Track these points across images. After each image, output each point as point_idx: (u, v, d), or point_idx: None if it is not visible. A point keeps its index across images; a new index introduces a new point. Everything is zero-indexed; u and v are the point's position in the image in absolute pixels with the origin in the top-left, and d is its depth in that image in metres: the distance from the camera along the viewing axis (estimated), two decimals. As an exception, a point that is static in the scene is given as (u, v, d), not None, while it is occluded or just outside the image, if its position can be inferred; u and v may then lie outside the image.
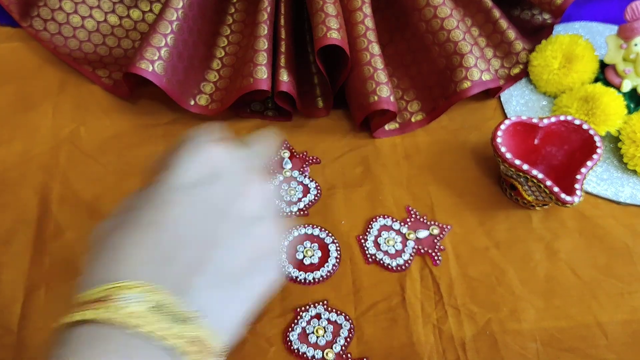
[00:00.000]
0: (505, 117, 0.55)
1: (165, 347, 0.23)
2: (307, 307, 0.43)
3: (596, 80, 0.55)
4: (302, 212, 0.48)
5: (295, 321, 0.42)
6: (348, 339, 0.42)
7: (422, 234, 0.47)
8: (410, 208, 0.49)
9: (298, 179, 0.50)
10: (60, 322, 0.25)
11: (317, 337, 0.42)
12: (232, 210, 0.29)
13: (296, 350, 0.41)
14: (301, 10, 0.55)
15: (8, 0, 0.55)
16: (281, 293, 0.44)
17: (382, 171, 0.51)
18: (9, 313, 0.42)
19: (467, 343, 0.42)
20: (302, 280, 0.45)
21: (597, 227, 0.48)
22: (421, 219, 0.48)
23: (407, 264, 0.45)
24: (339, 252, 0.46)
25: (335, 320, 0.43)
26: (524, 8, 0.60)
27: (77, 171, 0.50)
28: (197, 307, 0.25)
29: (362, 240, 0.47)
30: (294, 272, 0.45)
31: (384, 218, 0.48)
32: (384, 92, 0.49)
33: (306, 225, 0.47)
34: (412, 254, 0.46)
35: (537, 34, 0.60)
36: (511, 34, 0.56)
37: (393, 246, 0.46)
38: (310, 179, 0.50)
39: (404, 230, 0.47)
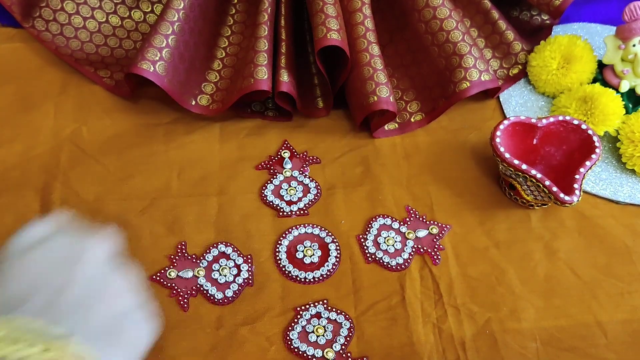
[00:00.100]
0: (504, 117, 0.55)
1: None
2: (307, 306, 0.43)
3: (595, 80, 0.55)
4: (302, 212, 0.48)
5: (296, 320, 0.42)
6: (348, 338, 0.42)
7: (422, 233, 0.47)
8: (409, 208, 0.49)
9: (298, 178, 0.50)
10: None
11: (317, 336, 0.42)
12: (79, 259, 0.31)
13: (296, 349, 0.41)
14: (301, 11, 0.56)
15: (10, 1, 0.55)
16: (281, 292, 0.44)
17: (381, 171, 0.51)
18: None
19: (467, 342, 0.42)
20: (302, 280, 0.45)
21: (596, 227, 0.49)
22: (421, 219, 0.48)
23: (406, 263, 0.46)
24: (338, 252, 0.46)
25: (335, 320, 0.43)
26: (522, 9, 0.61)
27: (79, 171, 0.50)
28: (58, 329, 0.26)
29: (362, 240, 0.47)
30: (294, 271, 0.45)
31: (384, 217, 0.48)
32: (384, 92, 0.49)
33: (306, 225, 0.47)
34: (412, 254, 0.46)
35: (536, 34, 0.60)
36: (510, 34, 0.57)
37: (393, 245, 0.46)
38: (310, 178, 0.50)
39: (404, 229, 0.47)
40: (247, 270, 0.45)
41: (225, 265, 0.45)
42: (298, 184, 0.50)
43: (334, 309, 0.43)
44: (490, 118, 0.55)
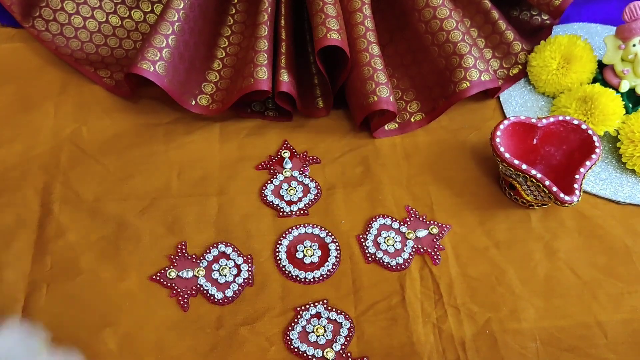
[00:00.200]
0: (505, 117, 0.55)
1: None
2: (307, 306, 0.43)
3: (595, 80, 0.55)
4: (302, 212, 0.48)
5: (296, 320, 0.42)
6: (348, 338, 0.42)
7: (422, 233, 0.47)
8: (409, 208, 0.49)
9: (298, 178, 0.50)
10: None
11: (317, 336, 0.42)
12: None
13: (296, 349, 0.41)
14: (301, 11, 0.56)
15: (10, 1, 0.55)
16: (281, 292, 0.44)
17: (381, 171, 0.51)
18: (10, 313, 0.42)
19: (467, 342, 0.42)
20: (302, 280, 0.45)
21: (596, 227, 0.49)
22: (421, 219, 0.48)
23: (406, 263, 0.46)
24: (338, 252, 0.46)
25: (335, 319, 0.43)
26: (523, 9, 0.61)
27: (79, 171, 0.50)
28: None
29: (362, 240, 0.47)
30: (294, 271, 0.45)
31: (384, 217, 0.48)
32: (384, 92, 0.49)
33: (306, 225, 0.47)
34: (412, 254, 0.46)
35: (536, 34, 0.60)
36: (510, 34, 0.57)
37: (393, 245, 0.46)
38: (310, 178, 0.50)
39: (404, 229, 0.47)
40: (247, 270, 0.45)
41: (225, 265, 0.45)
42: (298, 184, 0.50)
43: (334, 309, 0.43)
44: (490, 118, 0.55)
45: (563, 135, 0.48)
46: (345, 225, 0.48)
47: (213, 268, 0.45)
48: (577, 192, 0.44)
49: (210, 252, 0.45)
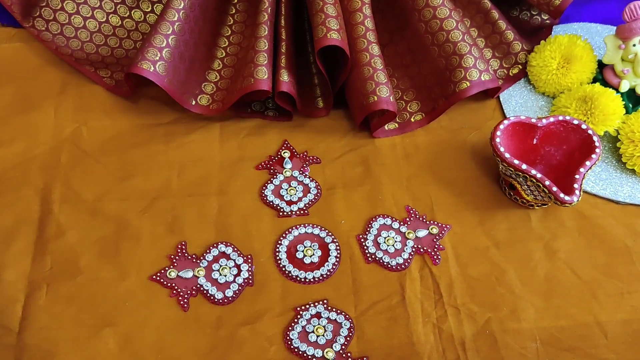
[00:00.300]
0: (505, 117, 0.55)
1: None
2: (307, 306, 0.43)
3: (595, 80, 0.55)
4: (302, 212, 0.48)
5: (296, 320, 0.42)
6: (348, 338, 0.42)
7: (422, 233, 0.47)
8: (409, 207, 0.49)
9: (298, 178, 0.50)
10: None
11: (317, 336, 0.42)
12: None
13: (296, 349, 0.41)
14: (301, 11, 0.56)
15: (10, 1, 0.55)
16: (281, 292, 0.44)
17: (381, 171, 0.51)
18: (10, 313, 0.42)
19: (467, 342, 0.42)
20: (302, 280, 0.45)
21: (596, 227, 0.49)
22: (421, 219, 0.48)
23: (406, 263, 0.46)
24: (338, 252, 0.46)
25: (335, 319, 0.43)
26: (523, 9, 0.61)
27: (79, 171, 0.50)
28: None
29: (362, 240, 0.47)
30: (294, 271, 0.45)
31: (384, 217, 0.48)
32: (384, 92, 0.49)
33: (306, 225, 0.47)
34: (412, 253, 0.46)
35: (536, 34, 0.60)
36: (510, 34, 0.57)
37: (393, 245, 0.46)
38: (311, 178, 0.50)
39: (404, 229, 0.47)
40: (247, 270, 0.45)
41: (226, 265, 0.45)
42: (298, 184, 0.50)
43: (334, 309, 0.43)
44: (490, 118, 0.55)
45: (563, 135, 0.48)
46: (345, 225, 0.48)
47: (213, 268, 0.45)
48: (577, 192, 0.44)
49: (210, 252, 0.45)
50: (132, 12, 0.58)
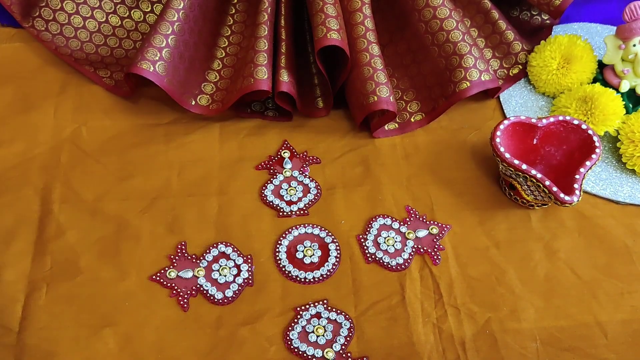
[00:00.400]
0: (504, 117, 0.55)
1: None
2: (307, 306, 0.43)
3: (595, 80, 0.55)
4: (302, 212, 0.48)
5: (295, 320, 0.42)
6: (348, 338, 0.42)
7: (422, 233, 0.47)
8: (409, 208, 0.49)
9: (298, 178, 0.50)
10: None
11: (317, 336, 0.42)
12: None
13: (296, 349, 0.41)
14: (301, 11, 0.56)
15: (10, 1, 0.55)
16: (281, 292, 0.44)
17: (381, 171, 0.51)
18: (10, 313, 0.42)
19: (467, 342, 0.42)
20: (302, 280, 0.45)
21: (596, 227, 0.49)
22: (421, 219, 0.48)
23: (406, 263, 0.46)
24: (338, 252, 0.46)
25: (335, 320, 0.43)
26: (523, 9, 0.61)
27: (78, 171, 0.50)
28: None
29: (362, 240, 0.47)
30: (294, 271, 0.45)
31: (384, 217, 0.48)
32: (384, 92, 0.49)
33: (306, 225, 0.47)
34: (412, 254, 0.46)
35: (536, 34, 0.60)
36: (510, 34, 0.57)
37: (393, 245, 0.46)
38: (310, 178, 0.50)
39: (404, 229, 0.47)
40: (247, 270, 0.45)
41: (225, 265, 0.45)
42: (298, 184, 0.50)
43: (334, 309, 0.43)
44: (490, 118, 0.55)
45: (563, 135, 0.48)
46: (345, 225, 0.48)
47: (213, 268, 0.45)
48: (577, 192, 0.44)
49: (210, 252, 0.45)
50: (131, 12, 0.58)
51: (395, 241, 0.47)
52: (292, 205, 0.49)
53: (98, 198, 0.48)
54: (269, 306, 0.43)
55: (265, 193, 0.49)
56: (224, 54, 0.56)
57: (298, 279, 0.45)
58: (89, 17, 0.56)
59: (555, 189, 0.44)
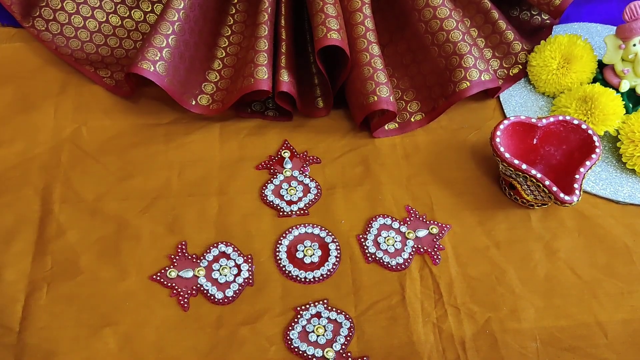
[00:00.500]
0: (505, 117, 0.55)
1: None
2: (307, 306, 0.43)
3: (595, 80, 0.55)
4: (302, 212, 0.48)
5: (296, 320, 0.42)
6: (348, 338, 0.42)
7: (422, 233, 0.47)
8: (409, 207, 0.49)
9: (298, 178, 0.50)
10: None
11: (318, 335, 0.42)
12: None
13: (296, 349, 0.41)
14: (301, 11, 0.56)
15: (10, 1, 0.55)
16: (281, 292, 0.44)
17: (381, 171, 0.51)
18: (10, 313, 0.42)
19: (467, 342, 0.42)
20: (302, 279, 0.45)
21: (596, 227, 0.49)
22: (421, 219, 0.48)
23: (406, 263, 0.46)
24: (338, 251, 0.46)
25: (336, 319, 0.43)
26: (523, 9, 0.61)
27: (79, 171, 0.50)
28: None
29: (362, 240, 0.47)
30: (294, 271, 0.45)
31: (384, 217, 0.48)
32: (384, 92, 0.49)
33: (306, 225, 0.47)
34: (412, 253, 0.46)
35: (536, 34, 0.60)
36: (510, 34, 0.57)
37: (393, 245, 0.46)
38: (311, 178, 0.50)
39: (404, 229, 0.48)
40: (248, 270, 0.45)
41: (226, 265, 0.45)
42: (298, 184, 0.50)
43: (334, 309, 0.43)
44: (490, 118, 0.55)
45: (563, 135, 0.48)
46: (345, 225, 0.48)
47: (213, 268, 0.45)
48: (577, 192, 0.44)
49: (210, 252, 0.45)
50: (132, 12, 0.58)
51: (395, 241, 0.47)
52: (292, 205, 0.49)
53: (98, 198, 0.48)
54: (269, 306, 0.43)
55: (265, 193, 0.49)
56: (224, 54, 0.56)
57: (298, 278, 0.45)
58: (89, 17, 0.56)
59: (555, 188, 0.44)
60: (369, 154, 0.52)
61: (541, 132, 0.49)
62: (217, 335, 0.42)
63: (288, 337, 0.42)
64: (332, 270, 0.45)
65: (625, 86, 0.53)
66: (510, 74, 0.58)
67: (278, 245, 0.46)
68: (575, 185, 0.44)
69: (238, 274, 0.45)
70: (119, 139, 0.52)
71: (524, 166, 0.45)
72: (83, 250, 0.45)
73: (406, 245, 0.47)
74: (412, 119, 0.55)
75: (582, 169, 0.45)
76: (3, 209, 0.47)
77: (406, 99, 0.56)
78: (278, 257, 0.46)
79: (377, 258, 0.46)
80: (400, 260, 0.46)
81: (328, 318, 0.43)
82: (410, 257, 0.46)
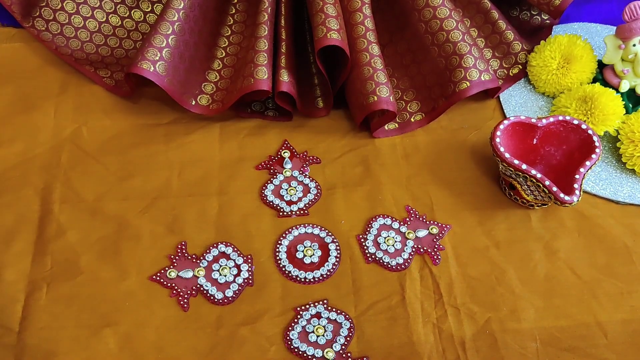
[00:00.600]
0: (505, 117, 0.55)
1: None
2: (307, 306, 0.43)
3: (595, 80, 0.55)
4: (302, 212, 0.48)
5: (296, 320, 0.42)
6: (348, 338, 0.42)
7: (422, 233, 0.47)
8: (409, 207, 0.49)
9: (298, 178, 0.50)
10: None
11: (317, 336, 0.42)
12: None
13: (296, 349, 0.41)
14: (301, 11, 0.56)
15: (10, 1, 0.55)
16: (281, 292, 0.44)
17: (381, 171, 0.51)
18: (10, 313, 0.42)
19: (466, 342, 0.42)
20: (302, 280, 0.45)
21: (596, 227, 0.49)
22: (421, 219, 0.48)
23: (406, 263, 0.46)
24: (338, 252, 0.46)
25: (335, 319, 0.43)
26: (523, 9, 0.61)
27: (79, 171, 0.50)
28: None
29: (362, 240, 0.47)
30: (294, 271, 0.45)
31: (384, 217, 0.48)
32: (384, 92, 0.49)
33: (306, 225, 0.47)
34: (412, 253, 0.46)
35: (536, 34, 0.60)
36: (510, 34, 0.57)
37: (393, 245, 0.46)
38: (310, 178, 0.50)
39: (404, 229, 0.48)
40: (247, 270, 0.45)
41: (226, 265, 0.45)
42: (298, 184, 0.50)
43: (334, 309, 0.43)
44: (490, 118, 0.55)
45: (563, 135, 0.48)
46: (345, 225, 0.48)
47: (213, 268, 0.45)
48: (577, 192, 0.44)
49: (210, 252, 0.45)
50: (132, 12, 0.58)
51: (395, 241, 0.47)
52: (292, 205, 0.49)
53: (98, 198, 0.48)
54: (269, 306, 0.43)
55: (265, 193, 0.49)
56: (224, 54, 0.56)
57: (298, 279, 0.45)
58: (89, 17, 0.56)
59: (555, 189, 0.44)
60: (369, 154, 0.52)
61: (541, 132, 0.49)
62: (217, 336, 0.42)
63: (288, 338, 0.42)
64: (332, 270, 0.45)
65: (625, 86, 0.53)
66: (510, 74, 0.58)
67: (278, 246, 0.46)
68: (575, 186, 0.44)
69: (238, 274, 0.45)
70: (119, 139, 0.52)
71: (524, 166, 0.45)
72: (83, 250, 0.45)
73: (406, 245, 0.47)
74: (412, 119, 0.55)
75: (582, 169, 0.45)
76: (3, 209, 0.47)
77: (406, 99, 0.56)
78: (278, 257, 0.46)
79: (377, 258, 0.46)
80: (400, 261, 0.46)
81: (328, 318, 0.43)
82: (410, 257, 0.46)
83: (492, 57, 0.58)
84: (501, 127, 0.47)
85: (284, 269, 0.45)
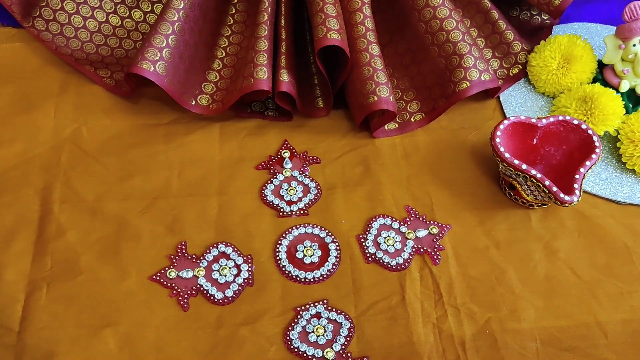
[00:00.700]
0: (505, 117, 0.55)
1: None
2: (307, 306, 0.43)
3: (595, 80, 0.55)
4: (302, 212, 0.48)
5: (296, 320, 0.42)
6: (348, 338, 0.42)
7: (422, 233, 0.47)
8: (409, 207, 0.49)
9: (298, 178, 0.50)
10: None
11: (317, 336, 0.42)
12: None
13: (296, 349, 0.41)
14: (301, 11, 0.56)
15: (10, 1, 0.55)
16: (281, 292, 0.44)
17: (381, 171, 0.51)
18: (10, 313, 0.42)
19: (466, 342, 0.42)
20: (302, 280, 0.45)
21: (596, 227, 0.49)
22: (421, 219, 0.48)
23: (406, 263, 0.46)
24: (338, 252, 0.46)
25: (335, 319, 0.43)
26: (523, 9, 0.61)
27: (79, 171, 0.50)
28: None
29: (362, 240, 0.47)
30: (294, 271, 0.45)
31: (384, 217, 0.48)
32: (384, 92, 0.49)
33: (306, 225, 0.47)
34: (412, 253, 0.46)
35: (536, 34, 0.60)
36: (510, 34, 0.57)
37: (393, 245, 0.46)
38: (310, 178, 0.50)
39: (404, 229, 0.48)
40: (247, 270, 0.45)
41: (226, 265, 0.45)
42: (298, 184, 0.50)
43: (334, 309, 0.43)
44: (490, 118, 0.55)
45: (563, 135, 0.48)
46: (345, 225, 0.48)
47: (213, 268, 0.45)
48: (577, 192, 0.44)
49: (210, 252, 0.45)
50: (132, 12, 0.58)
51: (395, 241, 0.47)
52: (292, 205, 0.49)
53: (98, 198, 0.48)
54: (269, 306, 0.43)
55: (265, 193, 0.49)
56: (224, 54, 0.56)
57: (298, 279, 0.45)
58: (89, 17, 0.56)
59: (555, 189, 0.44)
60: (369, 154, 0.52)
61: (541, 132, 0.49)
62: (217, 336, 0.42)
63: (288, 338, 0.42)
64: (332, 270, 0.45)
65: (625, 86, 0.53)
66: (510, 74, 0.58)
67: (278, 246, 0.46)
68: (575, 186, 0.44)
69: (238, 274, 0.45)
70: (119, 139, 0.52)
71: (524, 166, 0.45)
72: (83, 250, 0.45)
73: (406, 245, 0.47)
74: (412, 119, 0.55)
75: (582, 169, 0.45)
76: (3, 209, 0.47)
77: (406, 99, 0.56)
78: (278, 257, 0.46)
79: (377, 258, 0.46)
80: (400, 261, 0.46)
81: (328, 318, 0.43)
82: (410, 257, 0.46)
83: (492, 57, 0.58)
84: (501, 127, 0.47)
85: (284, 269, 0.45)
